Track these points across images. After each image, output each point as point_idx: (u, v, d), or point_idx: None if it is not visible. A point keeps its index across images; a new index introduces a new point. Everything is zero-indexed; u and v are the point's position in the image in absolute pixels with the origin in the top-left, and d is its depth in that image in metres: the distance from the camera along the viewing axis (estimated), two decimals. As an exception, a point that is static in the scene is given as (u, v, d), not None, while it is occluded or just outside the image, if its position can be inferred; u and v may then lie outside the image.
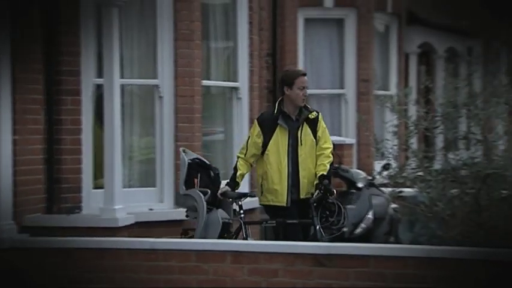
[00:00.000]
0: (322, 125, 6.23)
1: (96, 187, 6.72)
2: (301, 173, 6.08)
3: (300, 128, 6.12)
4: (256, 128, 6.17)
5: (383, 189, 7.41)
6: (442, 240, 6.72)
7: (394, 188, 7.41)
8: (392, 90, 10.79)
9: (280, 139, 6.10)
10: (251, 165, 6.31)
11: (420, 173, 7.10)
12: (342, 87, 10.35)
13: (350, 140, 9.53)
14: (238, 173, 6.19)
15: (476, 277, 4.75)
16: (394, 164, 7.65)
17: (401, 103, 7.60)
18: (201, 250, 5.39)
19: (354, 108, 10.23)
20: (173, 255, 5.40)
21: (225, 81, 7.94)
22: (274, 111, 6.18)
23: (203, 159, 6.57)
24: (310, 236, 5.96)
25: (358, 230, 7.28)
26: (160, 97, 7.02)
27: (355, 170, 8.10)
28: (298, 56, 10.02)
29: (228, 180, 6.34)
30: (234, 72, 7.94)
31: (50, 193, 6.62)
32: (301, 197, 6.07)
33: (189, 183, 6.29)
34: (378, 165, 8.75)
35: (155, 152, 7.02)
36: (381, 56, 11.32)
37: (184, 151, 6.46)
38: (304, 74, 6.22)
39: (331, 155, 6.19)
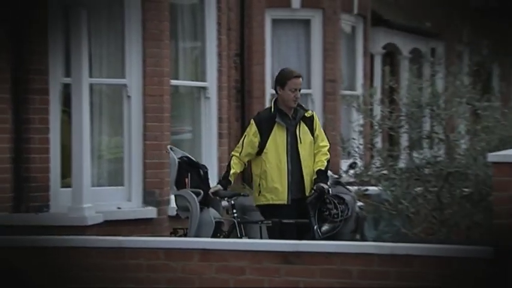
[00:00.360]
0: (318, 123, 6.23)
1: (65, 186, 6.67)
2: (304, 171, 6.05)
3: (298, 127, 6.11)
4: (253, 127, 6.12)
5: (349, 187, 7.43)
6: (406, 237, 6.79)
7: (360, 187, 7.45)
8: (358, 90, 10.87)
9: (278, 137, 6.07)
10: (245, 165, 6.22)
11: (385, 172, 7.16)
12: (308, 87, 10.38)
13: (317, 139, 9.56)
14: (232, 171, 6.11)
15: (439, 273, 4.80)
16: (360, 162, 7.69)
17: (366, 103, 7.65)
18: (170, 248, 5.37)
19: (321, 108, 10.27)
20: (141, 254, 5.37)
21: (193, 80, 7.93)
22: (271, 110, 6.15)
23: (191, 157, 6.52)
24: (308, 236, 5.89)
25: (325, 228, 7.30)
26: (129, 96, 6.98)
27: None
28: (266, 56, 10.04)
29: (220, 179, 6.26)
30: (203, 72, 7.92)
31: (17, 192, 6.55)
32: (307, 194, 6.01)
33: (179, 183, 6.21)
34: (344, 164, 8.79)
35: (124, 151, 6.98)
36: (347, 57, 11.38)
37: (171, 149, 6.37)
38: (298, 76, 6.17)
39: (328, 153, 6.19)
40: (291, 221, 5.97)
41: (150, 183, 6.94)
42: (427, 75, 7.72)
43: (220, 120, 7.94)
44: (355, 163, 7.63)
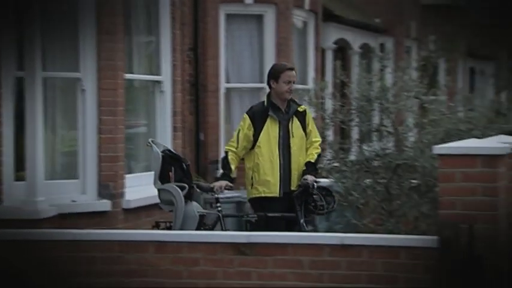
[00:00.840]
0: (311, 118, 6.23)
1: (18, 179, 6.57)
2: (293, 166, 6.03)
3: (291, 121, 6.09)
4: (247, 121, 6.06)
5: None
6: (357, 227, 6.86)
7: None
8: (310, 84, 10.93)
9: (271, 131, 6.03)
10: (241, 159, 6.14)
11: (336, 164, 7.22)
12: (262, 81, 10.39)
13: (270, 132, 9.60)
14: (232, 167, 6.05)
15: (387, 262, 4.86)
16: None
17: (318, 97, 7.70)
18: (124, 240, 5.34)
19: (274, 101, 10.29)
20: (96, 246, 5.33)
21: (148, 74, 7.88)
22: (264, 103, 6.11)
23: (172, 149, 6.46)
24: (295, 230, 5.84)
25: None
26: (83, 90, 6.90)
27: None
28: (220, 51, 10.02)
29: (220, 176, 6.12)
30: (157, 66, 7.88)
31: (-30, 186, 6.42)
32: (292, 188, 6.00)
33: (163, 177, 6.14)
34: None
35: (78, 144, 6.91)
36: (299, 51, 11.44)
37: (153, 142, 6.30)
38: (291, 69, 6.16)
39: (319, 147, 6.19)
40: (277, 214, 5.93)
41: (105, 176, 6.88)
42: (376, 70, 7.80)
43: (174, 113, 7.91)
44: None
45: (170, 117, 7.86)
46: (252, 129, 6.04)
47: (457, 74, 18.67)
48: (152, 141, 6.30)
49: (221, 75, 10.09)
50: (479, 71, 22.77)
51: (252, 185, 6.05)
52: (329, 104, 7.64)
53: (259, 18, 10.36)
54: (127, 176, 7.12)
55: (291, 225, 5.94)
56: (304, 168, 6.04)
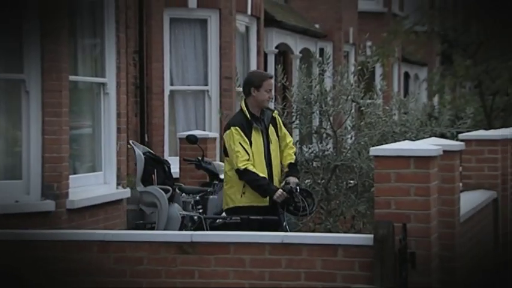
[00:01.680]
0: (281, 121, 6.20)
1: (-40, 180, 6.39)
2: (274, 171, 6.00)
3: (268, 128, 6.05)
4: (242, 134, 5.92)
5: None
6: (297, 226, 6.90)
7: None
8: (253, 87, 10.94)
9: (257, 141, 5.97)
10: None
11: (277, 165, 7.24)
12: (205, 84, 10.38)
13: (213, 134, 9.57)
14: (265, 175, 5.86)
15: (326, 260, 4.90)
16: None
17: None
18: (68, 240, 5.25)
19: (217, 104, 10.29)
20: (40, 246, 5.22)
21: (92, 76, 7.77)
22: (244, 115, 5.99)
23: (152, 152, 6.36)
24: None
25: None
26: (27, 92, 6.76)
27: (217, 163, 8.14)
28: (164, 54, 9.96)
29: (267, 186, 5.87)
30: (102, 69, 7.78)
31: None
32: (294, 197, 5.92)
33: (146, 180, 6.01)
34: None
35: (22, 145, 6.76)
36: (242, 55, 11.44)
37: (134, 143, 6.17)
38: (272, 77, 6.16)
39: (294, 147, 6.19)
40: (259, 217, 5.86)
41: (49, 177, 6.75)
42: (316, 74, 7.86)
43: (119, 115, 7.82)
44: (249, 157, 7.67)
45: (115, 118, 7.77)
46: (247, 140, 5.93)
47: (392, 79, 18.98)
48: (133, 142, 6.22)
49: (165, 77, 10.04)
50: (413, 75, 23.20)
51: (244, 193, 5.91)
52: (271, 107, 7.67)
53: (203, 22, 10.34)
54: (71, 176, 7.00)
55: (274, 228, 5.85)
56: (287, 169, 6.02)
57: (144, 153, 6.06)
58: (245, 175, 5.84)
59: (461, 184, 6.26)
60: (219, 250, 5.02)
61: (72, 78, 7.14)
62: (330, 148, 7.37)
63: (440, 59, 23.20)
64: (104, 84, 7.75)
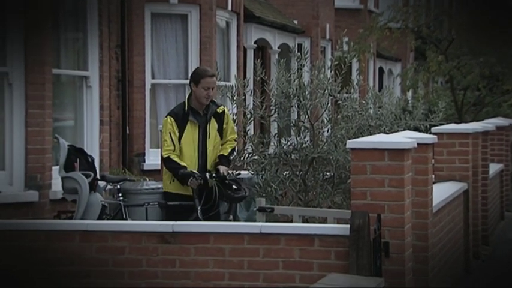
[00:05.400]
0: (229, 117, 6.18)
1: None
2: (208, 164, 6.01)
3: (208, 122, 6.04)
4: (174, 124, 5.95)
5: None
6: (275, 217, 6.89)
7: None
8: (233, 81, 10.93)
9: (191, 134, 5.97)
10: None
11: (256, 157, 7.24)
12: (186, 78, 10.31)
13: (193, 126, 9.55)
14: (183, 163, 5.88)
15: (303, 249, 4.90)
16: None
17: (239, 93, 7.70)
18: (50, 230, 5.20)
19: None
20: (22, 236, 5.17)
21: (75, 70, 7.71)
22: (184, 107, 6.00)
23: (76, 146, 6.41)
24: (193, 217, 5.86)
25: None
26: (10, 84, 6.69)
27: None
28: (146, 48, 9.90)
29: (184, 173, 5.86)
30: (85, 62, 7.72)
31: None
32: (209, 186, 5.94)
33: (68, 167, 6.07)
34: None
35: (5, 137, 6.69)
36: (222, 50, 11.41)
37: (57, 136, 6.24)
38: (212, 75, 6.08)
39: (235, 142, 6.19)
40: (176, 203, 5.93)
41: (32, 168, 6.70)
42: (294, 69, 7.85)
43: (101, 108, 7.78)
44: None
45: (97, 111, 7.73)
46: (177, 131, 5.98)
47: (368, 74, 19.04)
48: (57, 136, 6.31)
49: (147, 71, 9.98)
50: (387, 71, 23.30)
51: (173, 180, 6.00)
52: (250, 100, 7.64)
53: (183, 17, 10.29)
54: (54, 167, 6.95)
55: (190, 213, 5.92)
56: (217, 160, 6.05)
57: (69, 145, 6.16)
58: (167, 163, 5.96)
59: (433, 176, 6.30)
60: (199, 240, 5.01)
61: (55, 71, 7.08)
62: (307, 141, 7.37)
63: (414, 54, 23.33)
64: (86, 77, 7.70)
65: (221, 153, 6.11)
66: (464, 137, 7.60)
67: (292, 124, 7.43)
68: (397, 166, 4.84)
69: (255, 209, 6.04)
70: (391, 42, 16.85)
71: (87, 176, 5.99)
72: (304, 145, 7.26)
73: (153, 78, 10.16)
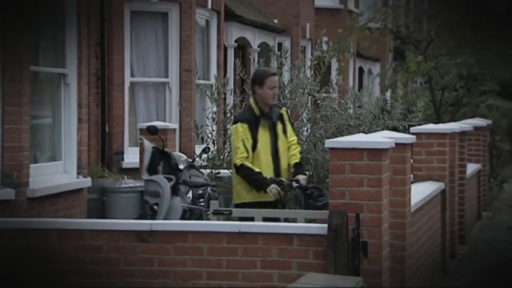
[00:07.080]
0: (288, 118, 6.11)
1: None
2: (282, 167, 5.91)
3: (276, 124, 5.96)
4: (247, 130, 5.82)
5: (202, 170, 7.45)
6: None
7: (213, 170, 7.48)
8: (212, 80, 10.89)
9: (264, 137, 5.87)
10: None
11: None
12: (166, 76, 10.29)
13: (173, 125, 9.51)
14: (258, 170, 5.74)
15: (281, 248, 4.89)
16: (212, 147, 7.72)
17: (219, 92, 7.68)
18: (27, 228, 5.15)
19: (177, 95, 10.21)
20: (-1, 235, 5.12)
21: (53, 67, 7.64)
22: (252, 111, 5.90)
23: (159, 147, 6.37)
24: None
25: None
26: (-13, 81, 6.61)
27: (177, 153, 8.07)
28: (125, 47, 9.85)
29: (261, 180, 5.75)
30: (62, 60, 7.66)
31: None
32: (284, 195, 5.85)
33: (151, 170, 6.00)
34: (198, 149, 8.80)
35: (-18, 134, 6.60)
36: (202, 48, 11.37)
37: (143, 138, 6.19)
38: (275, 74, 6.03)
39: (298, 145, 6.12)
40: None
41: (9, 165, 6.61)
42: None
43: (80, 105, 7.71)
44: (208, 148, 7.64)
45: (75, 109, 7.66)
46: (250, 138, 5.85)
47: (347, 73, 19.10)
48: (142, 137, 6.25)
49: (126, 69, 9.92)
50: (367, 70, 23.39)
51: (251, 190, 5.81)
52: (230, 99, 7.63)
53: (164, 15, 10.24)
54: (32, 165, 6.88)
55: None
56: (294, 169, 5.94)
57: (153, 147, 6.14)
58: (241, 170, 5.81)
59: (412, 176, 6.32)
60: (177, 239, 4.99)
61: (33, 68, 7.01)
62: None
63: (393, 54, 23.44)
64: (64, 75, 7.64)
65: (294, 161, 5.97)
66: (441, 137, 7.64)
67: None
68: (376, 166, 4.85)
69: (209, 212, 5.85)
70: (371, 42, 16.92)
71: (169, 179, 5.92)
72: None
73: (132, 76, 10.11)
